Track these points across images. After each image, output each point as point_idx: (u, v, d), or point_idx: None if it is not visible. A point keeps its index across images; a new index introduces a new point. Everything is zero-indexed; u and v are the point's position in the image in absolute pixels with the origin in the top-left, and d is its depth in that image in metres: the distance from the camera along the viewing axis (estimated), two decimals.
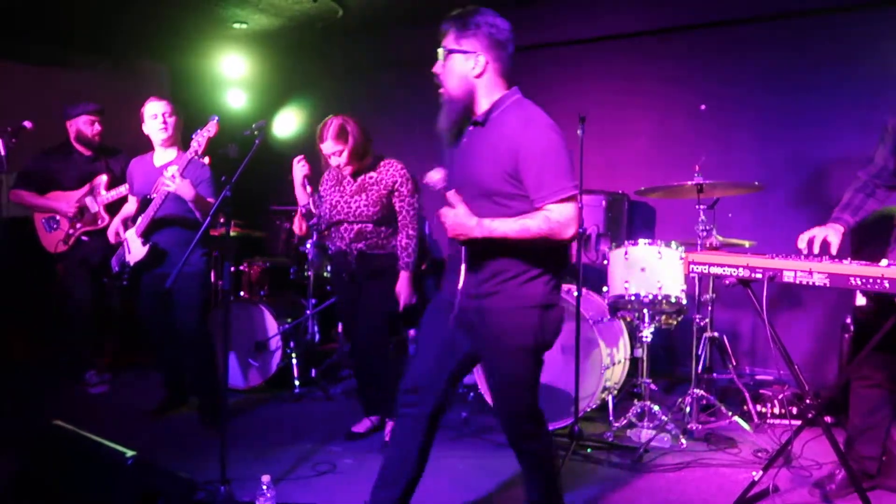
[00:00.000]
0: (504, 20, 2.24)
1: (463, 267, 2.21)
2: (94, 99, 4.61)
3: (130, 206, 3.86)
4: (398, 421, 2.39)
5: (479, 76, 2.22)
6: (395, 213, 3.45)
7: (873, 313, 2.70)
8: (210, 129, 3.40)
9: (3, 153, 3.84)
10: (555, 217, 2.10)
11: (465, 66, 2.21)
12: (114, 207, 4.37)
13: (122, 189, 4.26)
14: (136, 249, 3.58)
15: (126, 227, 3.75)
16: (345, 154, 3.35)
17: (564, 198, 2.11)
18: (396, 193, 3.41)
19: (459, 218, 2.11)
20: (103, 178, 4.40)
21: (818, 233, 2.73)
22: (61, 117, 4.45)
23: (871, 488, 2.85)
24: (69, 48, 5.84)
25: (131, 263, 3.61)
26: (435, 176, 2.27)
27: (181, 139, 3.76)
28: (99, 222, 4.40)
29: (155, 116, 3.64)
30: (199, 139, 3.39)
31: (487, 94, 2.23)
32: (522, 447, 2.35)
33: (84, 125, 4.40)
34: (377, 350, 3.53)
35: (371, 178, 3.42)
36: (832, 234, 2.74)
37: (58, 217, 4.40)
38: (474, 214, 2.13)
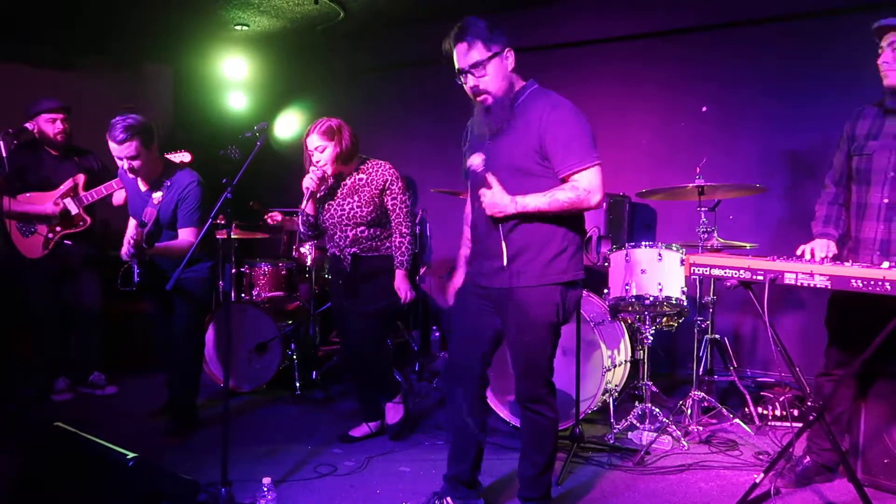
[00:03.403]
0: None
1: (503, 245, 2.43)
2: (98, 101, 4.51)
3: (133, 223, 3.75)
4: (451, 404, 2.71)
5: (512, 69, 2.45)
6: (388, 213, 3.43)
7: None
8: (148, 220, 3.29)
9: (4, 155, 3.83)
10: (582, 185, 2.35)
11: (503, 65, 2.43)
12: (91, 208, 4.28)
13: (103, 189, 4.11)
14: (136, 270, 3.56)
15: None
16: (328, 152, 3.28)
17: (589, 167, 2.36)
18: (388, 192, 3.39)
19: (496, 197, 2.36)
20: (81, 177, 4.19)
21: (816, 245, 2.74)
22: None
23: (827, 480, 3.00)
24: (73, 50, 5.85)
25: (136, 280, 3.59)
26: (476, 160, 2.48)
27: (160, 167, 3.55)
28: (80, 224, 4.21)
29: (120, 159, 3.35)
30: (154, 203, 3.31)
31: (518, 81, 2.49)
32: (533, 408, 2.56)
33: (45, 124, 4.10)
34: (373, 350, 3.52)
35: (360, 179, 3.38)
36: (832, 245, 2.76)
37: (34, 221, 4.17)
38: (508, 187, 2.37)
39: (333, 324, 3.59)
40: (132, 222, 3.75)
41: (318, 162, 3.31)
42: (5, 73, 5.40)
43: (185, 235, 3.46)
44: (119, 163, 3.41)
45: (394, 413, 3.62)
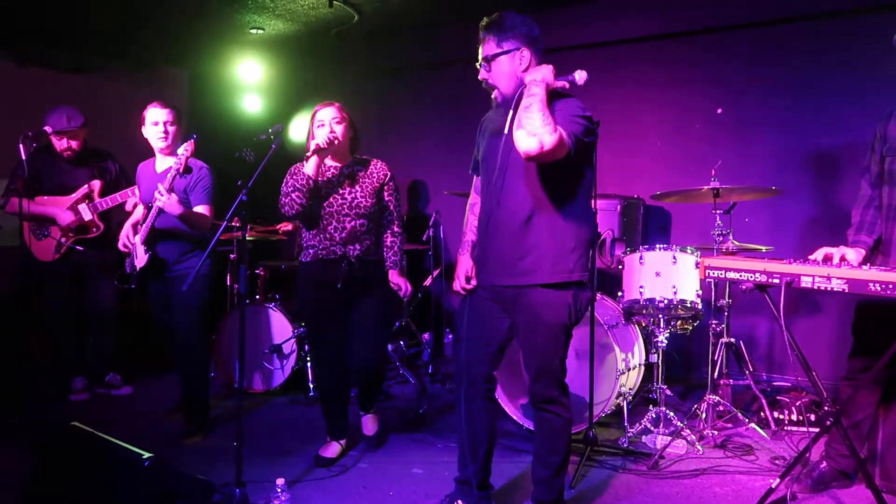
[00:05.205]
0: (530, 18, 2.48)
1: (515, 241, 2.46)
2: (114, 103, 4.51)
3: (140, 212, 3.84)
4: (461, 405, 2.68)
5: (525, 70, 2.43)
6: (384, 209, 3.38)
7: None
8: (188, 149, 3.36)
9: (24, 157, 3.88)
10: (561, 136, 2.25)
11: (513, 65, 2.44)
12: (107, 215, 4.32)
13: (118, 196, 4.18)
14: (140, 256, 3.62)
15: (136, 232, 3.73)
16: (343, 126, 3.25)
17: (571, 134, 2.29)
18: (387, 187, 3.37)
19: (542, 72, 2.33)
20: (97, 184, 4.27)
21: (835, 251, 2.66)
22: (85, 124, 4.26)
23: (844, 486, 2.97)
24: (91, 54, 5.92)
25: (137, 269, 3.64)
26: (581, 74, 2.40)
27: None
28: (93, 230, 4.28)
29: (156, 124, 3.57)
30: (181, 157, 3.36)
31: None
32: (546, 408, 2.56)
33: (53, 139, 4.19)
34: (381, 360, 3.49)
35: (359, 170, 3.33)
36: (851, 252, 2.69)
37: (48, 224, 4.24)
38: (520, 183, 2.43)
39: (312, 328, 3.44)
40: (135, 213, 3.87)
41: (330, 136, 3.17)
42: (24, 77, 5.47)
43: (202, 211, 3.58)
44: (154, 129, 3.57)
45: (371, 424, 3.54)
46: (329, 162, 3.33)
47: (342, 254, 3.27)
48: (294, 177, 3.24)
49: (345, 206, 3.25)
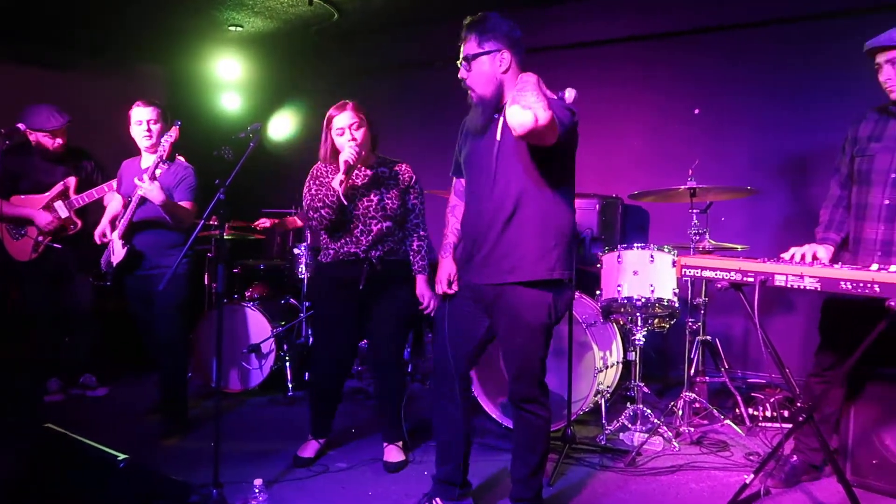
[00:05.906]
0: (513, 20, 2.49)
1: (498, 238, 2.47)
2: (92, 101, 4.44)
3: (117, 205, 3.81)
4: (437, 407, 2.73)
5: (505, 72, 2.44)
6: (408, 212, 3.29)
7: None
8: (172, 134, 3.47)
9: None
10: (554, 114, 2.24)
11: (493, 65, 2.44)
12: (82, 212, 4.27)
13: (94, 192, 4.13)
14: (117, 250, 3.60)
15: (113, 227, 3.71)
16: (363, 130, 3.14)
17: (559, 121, 2.28)
18: (413, 190, 3.28)
19: (533, 83, 2.30)
20: (72, 180, 4.19)
21: (807, 249, 2.74)
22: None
23: (814, 479, 3.05)
24: (68, 51, 5.84)
25: (114, 264, 3.61)
26: (571, 92, 2.48)
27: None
28: (70, 228, 4.22)
29: (140, 123, 3.61)
30: (164, 144, 3.45)
31: (512, 86, 2.43)
32: (526, 408, 2.58)
33: (44, 139, 4.13)
34: (400, 363, 3.42)
35: (384, 172, 3.25)
36: (821, 249, 2.76)
37: (25, 225, 4.17)
38: (503, 182, 2.45)
39: (327, 331, 3.36)
40: (111, 207, 3.86)
41: (352, 140, 3.10)
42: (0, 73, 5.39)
43: (186, 206, 3.61)
44: (138, 129, 3.61)
45: (396, 454, 3.34)
46: (359, 145, 3.20)
47: (364, 256, 3.20)
48: (319, 185, 3.17)
49: (371, 209, 3.18)
